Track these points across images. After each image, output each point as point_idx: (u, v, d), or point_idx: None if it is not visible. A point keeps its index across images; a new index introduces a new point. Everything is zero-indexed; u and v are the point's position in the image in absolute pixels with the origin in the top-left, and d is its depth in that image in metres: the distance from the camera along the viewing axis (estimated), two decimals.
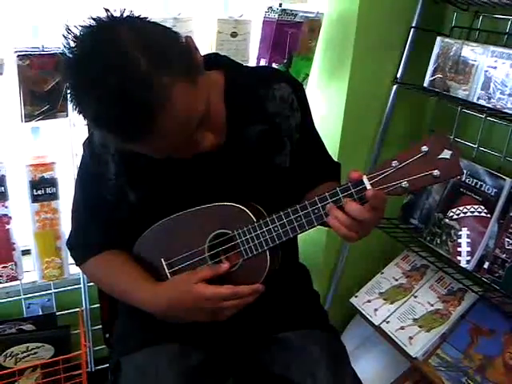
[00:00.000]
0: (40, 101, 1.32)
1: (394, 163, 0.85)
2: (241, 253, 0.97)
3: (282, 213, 0.92)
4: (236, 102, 1.00)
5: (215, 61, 1.05)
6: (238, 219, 0.96)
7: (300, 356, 1.04)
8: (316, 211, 0.89)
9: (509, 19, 1.48)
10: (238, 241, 0.96)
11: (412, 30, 1.63)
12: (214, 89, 0.96)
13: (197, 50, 0.87)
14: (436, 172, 0.83)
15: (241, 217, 0.96)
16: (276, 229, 0.93)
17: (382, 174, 0.85)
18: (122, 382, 1.01)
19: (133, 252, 1.09)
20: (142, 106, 0.76)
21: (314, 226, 0.91)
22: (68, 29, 0.78)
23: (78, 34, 0.77)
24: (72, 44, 0.77)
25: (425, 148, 0.84)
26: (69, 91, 0.79)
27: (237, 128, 1.00)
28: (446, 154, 0.83)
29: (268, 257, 0.96)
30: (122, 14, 0.81)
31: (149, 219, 1.05)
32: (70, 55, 0.77)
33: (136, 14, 0.82)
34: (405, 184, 0.85)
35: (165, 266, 1.04)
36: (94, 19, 0.79)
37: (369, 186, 0.85)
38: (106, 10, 0.80)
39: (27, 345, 1.61)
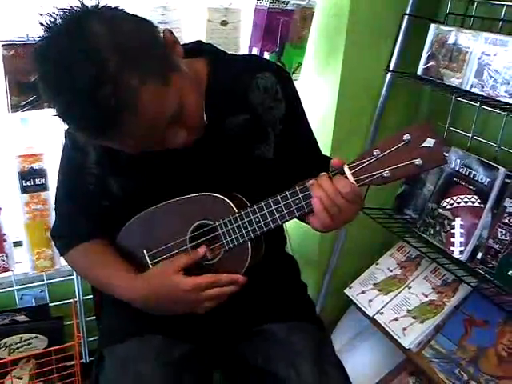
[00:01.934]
0: (26, 91, 1.31)
1: (376, 152, 0.83)
2: (222, 244, 0.96)
3: (263, 203, 0.91)
4: (218, 92, 0.99)
5: (199, 49, 1.04)
6: (220, 210, 0.95)
7: (283, 348, 1.03)
8: (297, 201, 0.88)
9: (504, 5, 1.45)
10: (220, 232, 0.95)
11: (406, 17, 1.60)
12: (195, 79, 0.94)
13: (176, 44, 0.86)
14: (418, 161, 0.82)
15: (222, 207, 0.95)
16: (257, 219, 0.92)
17: (363, 163, 0.84)
18: (105, 373, 1.00)
19: (116, 243, 1.08)
20: (107, 106, 0.74)
21: (296, 217, 0.90)
22: (41, 18, 0.77)
23: (49, 25, 0.76)
24: (42, 35, 0.75)
25: (407, 136, 0.82)
26: (38, 82, 0.78)
27: (218, 118, 0.99)
28: (429, 142, 0.82)
29: (250, 248, 0.95)
30: (96, 6, 0.78)
31: (132, 209, 1.04)
32: (40, 46, 0.76)
33: (112, 6, 0.80)
34: (386, 173, 0.83)
35: (147, 258, 1.04)
36: (66, 10, 0.77)
37: (350, 176, 0.84)
38: (81, 3, 0.78)
39: (21, 335, 1.61)
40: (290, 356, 1.01)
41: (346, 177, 0.84)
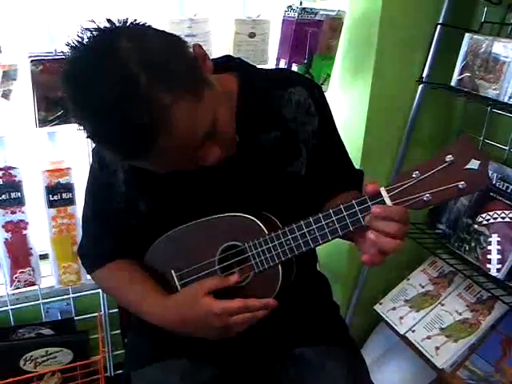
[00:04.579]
0: (54, 106, 1.31)
1: (415, 174, 0.79)
2: (252, 266, 0.93)
3: (294, 225, 0.87)
4: (250, 108, 0.96)
5: (228, 64, 1.01)
6: (250, 231, 0.92)
7: (317, 373, 0.99)
8: (330, 224, 0.84)
9: None
10: (249, 254, 0.92)
11: (439, 27, 1.56)
12: (226, 94, 0.91)
13: (206, 59, 0.83)
14: (462, 184, 0.76)
15: (252, 228, 0.91)
16: (288, 242, 0.88)
17: (402, 185, 0.80)
18: None
19: (144, 262, 1.06)
20: (140, 126, 0.71)
21: (329, 241, 0.86)
22: (68, 38, 0.75)
23: (77, 45, 0.73)
24: (70, 55, 0.73)
25: (449, 158, 0.77)
26: (67, 103, 0.76)
27: (250, 135, 0.96)
28: (474, 164, 0.76)
29: (280, 271, 0.91)
30: (124, 23, 0.76)
31: (160, 229, 1.01)
32: (68, 66, 0.74)
33: (140, 23, 0.78)
34: (427, 197, 0.79)
35: (175, 278, 1.01)
36: (94, 29, 0.74)
37: (387, 199, 0.80)
38: (108, 21, 0.76)
39: (46, 349, 1.61)
40: (324, 382, 0.97)
41: (384, 200, 0.80)
